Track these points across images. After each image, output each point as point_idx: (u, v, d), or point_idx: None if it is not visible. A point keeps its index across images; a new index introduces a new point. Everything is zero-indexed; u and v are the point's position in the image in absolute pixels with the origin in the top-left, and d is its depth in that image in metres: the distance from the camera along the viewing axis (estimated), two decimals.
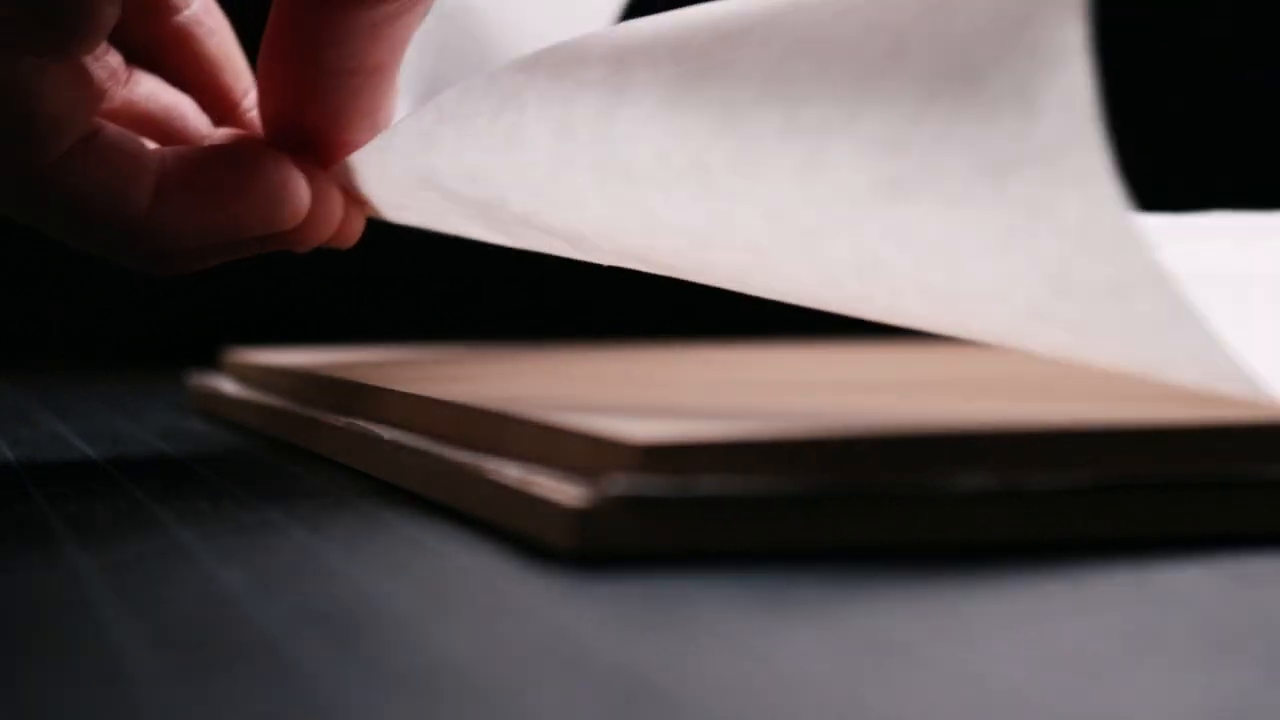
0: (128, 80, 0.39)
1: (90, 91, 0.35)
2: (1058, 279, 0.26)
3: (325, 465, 0.36)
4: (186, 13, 0.39)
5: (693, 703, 0.18)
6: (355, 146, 0.36)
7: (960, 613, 0.22)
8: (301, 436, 0.39)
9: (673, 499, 0.24)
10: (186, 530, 0.28)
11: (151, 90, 0.39)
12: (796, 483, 0.24)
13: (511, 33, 0.43)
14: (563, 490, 0.25)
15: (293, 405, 0.41)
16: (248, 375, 0.48)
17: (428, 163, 0.34)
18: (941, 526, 0.25)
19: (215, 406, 0.49)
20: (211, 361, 0.54)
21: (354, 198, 0.38)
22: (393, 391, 0.35)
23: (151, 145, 0.36)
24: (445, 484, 0.29)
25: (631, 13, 0.36)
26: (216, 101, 0.40)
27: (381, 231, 0.41)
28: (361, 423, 0.35)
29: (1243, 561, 0.25)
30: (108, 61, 0.38)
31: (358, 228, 0.39)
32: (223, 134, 0.38)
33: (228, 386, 0.49)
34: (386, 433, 0.33)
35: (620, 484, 0.24)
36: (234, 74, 0.40)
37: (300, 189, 0.36)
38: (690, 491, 0.24)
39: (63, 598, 0.23)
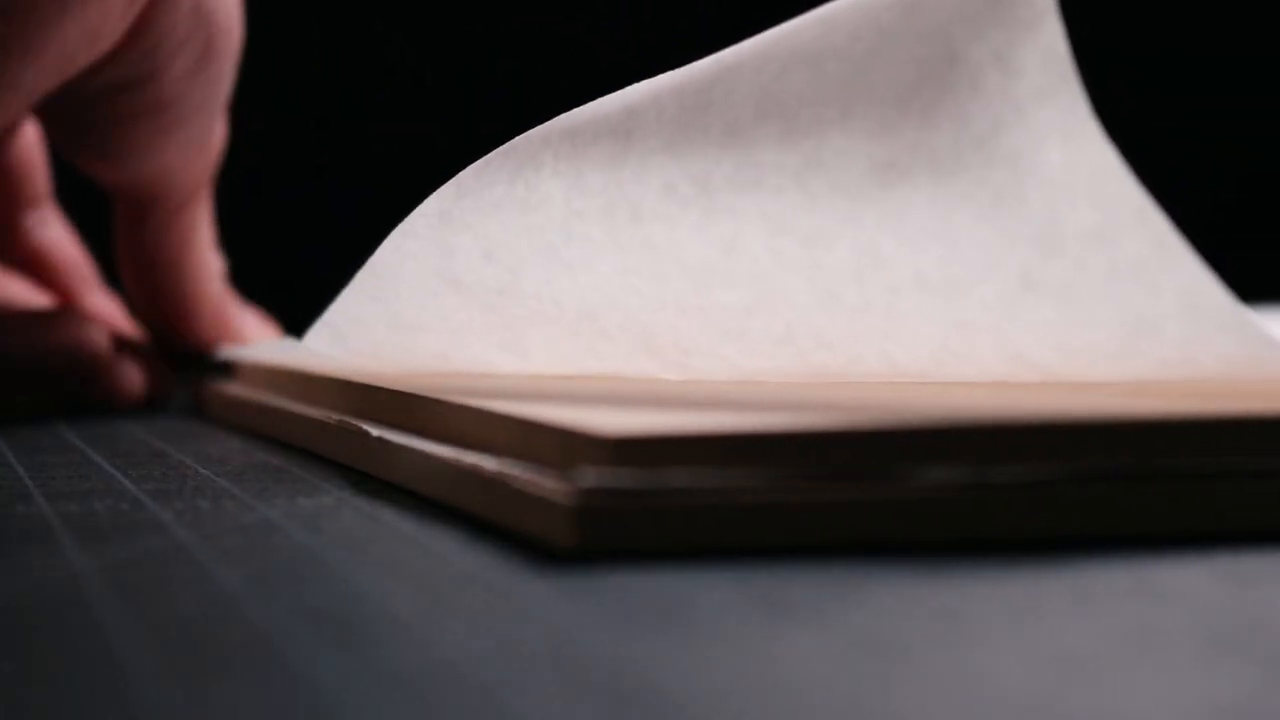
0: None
1: None
2: (1047, 235, 0.27)
3: (325, 465, 0.36)
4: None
5: (690, 702, 0.18)
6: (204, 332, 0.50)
7: (959, 612, 0.22)
8: (301, 437, 0.39)
9: (646, 492, 0.24)
10: (186, 530, 0.28)
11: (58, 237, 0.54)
12: (773, 476, 0.24)
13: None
14: (536, 484, 0.25)
15: (293, 405, 0.41)
16: (248, 375, 0.48)
17: (447, 246, 0.34)
18: (936, 524, 0.25)
19: (215, 407, 0.49)
20: (212, 362, 0.54)
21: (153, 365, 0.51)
22: (390, 390, 0.35)
23: None
24: (445, 483, 0.29)
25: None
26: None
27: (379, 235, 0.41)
28: (361, 422, 0.35)
29: (1243, 560, 0.25)
30: None
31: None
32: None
33: (228, 387, 0.49)
34: (386, 433, 0.33)
35: (590, 477, 0.24)
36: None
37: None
38: (662, 485, 0.24)
39: (63, 598, 0.23)
